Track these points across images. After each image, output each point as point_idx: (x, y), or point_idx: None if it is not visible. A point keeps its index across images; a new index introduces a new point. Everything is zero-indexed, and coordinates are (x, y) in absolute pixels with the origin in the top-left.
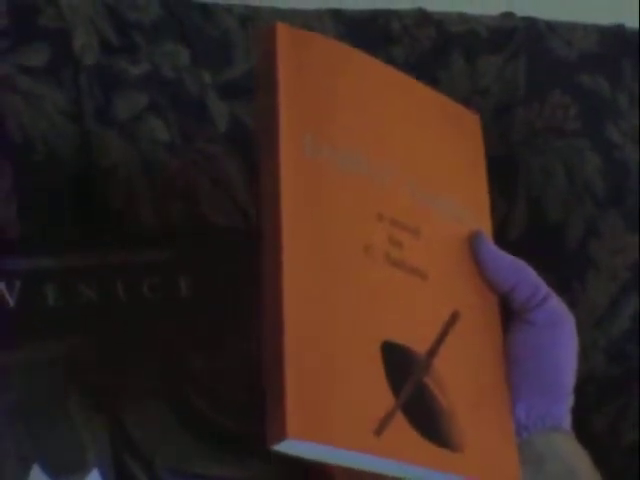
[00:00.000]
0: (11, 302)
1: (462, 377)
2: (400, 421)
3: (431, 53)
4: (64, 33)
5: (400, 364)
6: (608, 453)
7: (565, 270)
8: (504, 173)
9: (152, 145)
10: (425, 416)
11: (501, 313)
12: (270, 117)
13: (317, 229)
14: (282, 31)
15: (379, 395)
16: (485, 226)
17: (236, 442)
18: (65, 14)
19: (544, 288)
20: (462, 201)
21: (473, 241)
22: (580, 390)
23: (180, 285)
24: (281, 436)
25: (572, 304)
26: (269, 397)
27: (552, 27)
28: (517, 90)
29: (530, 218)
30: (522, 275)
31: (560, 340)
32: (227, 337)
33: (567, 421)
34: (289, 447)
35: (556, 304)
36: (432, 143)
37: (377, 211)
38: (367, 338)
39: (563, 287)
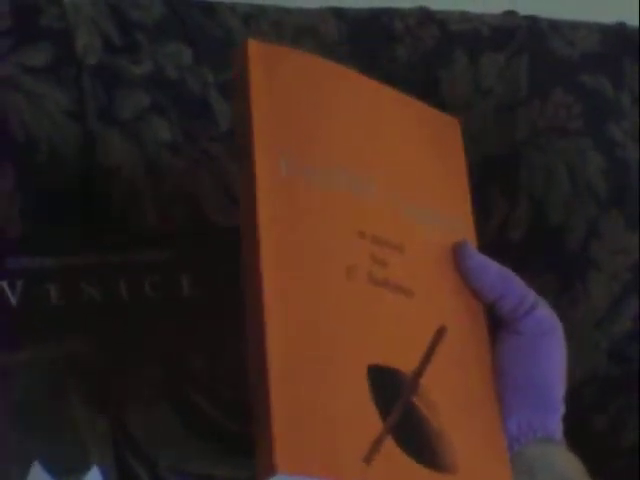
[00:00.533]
0: (13, 301)
1: (451, 394)
2: (390, 446)
3: (433, 52)
4: (66, 33)
5: (387, 387)
6: (609, 454)
7: (567, 270)
8: (506, 172)
9: (155, 144)
10: (415, 439)
11: (488, 324)
12: (245, 137)
13: (297, 253)
14: (253, 48)
15: (367, 421)
16: (469, 234)
17: (237, 442)
18: (67, 14)
19: (532, 296)
20: (445, 210)
21: (458, 251)
22: (581, 390)
23: (182, 284)
24: (270, 472)
25: (573, 304)
26: (256, 427)
27: (554, 26)
28: (519, 89)
29: (532, 218)
30: (509, 283)
31: (549, 349)
32: (228, 337)
33: (559, 431)
34: None
35: (544, 312)
36: (412, 153)
37: (358, 229)
38: (353, 363)
39: (565, 287)
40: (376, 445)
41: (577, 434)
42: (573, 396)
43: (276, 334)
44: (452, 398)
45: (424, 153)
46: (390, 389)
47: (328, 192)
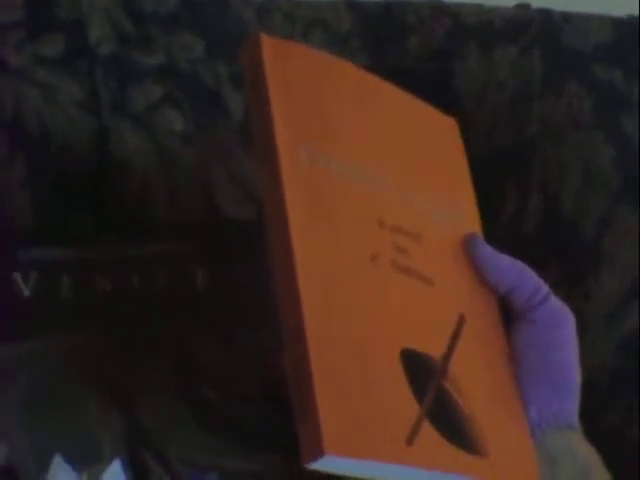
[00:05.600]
0: (26, 293)
1: (476, 381)
2: (428, 428)
3: (446, 44)
4: (79, 24)
5: (420, 370)
6: (619, 447)
7: (579, 263)
8: (519, 165)
9: (167, 136)
10: (450, 422)
11: (501, 315)
12: (265, 132)
13: (326, 241)
14: (267, 42)
15: (405, 403)
16: (476, 228)
17: (248, 435)
18: (81, 5)
19: (544, 287)
20: (453, 205)
21: (469, 244)
22: (591, 384)
23: (195, 277)
24: (318, 454)
25: (586, 297)
26: (298, 414)
27: (567, 18)
28: (532, 82)
29: (545, 211)
30: (523, 274)
31: (564, 338)
32: (240, 330)
33: (577, 418)
34: (325, 464)
35: (557, 303)
36: (418, 149)
37: (378, 218)
38: (388, 347)
39: (577, 280)
40: (416, 427)
41: (588, 427)
42: (584, 389)
43: (314, 320)
44: (477, 385)
45: (427, 149)
46: (423, 372)
47: (347, 183)
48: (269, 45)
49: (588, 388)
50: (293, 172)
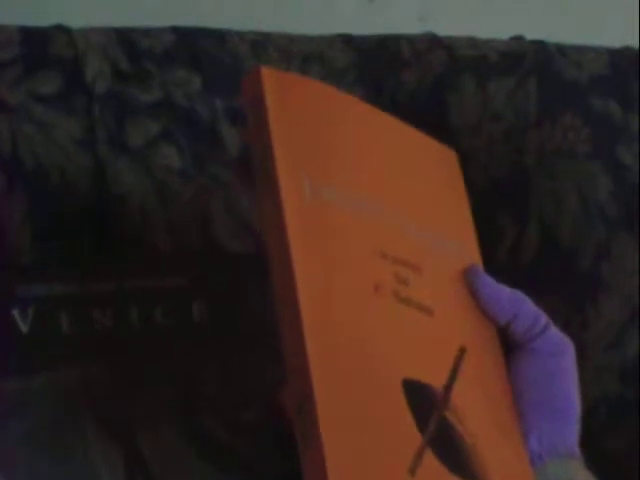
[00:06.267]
0: (24, 329)
1: (477, 410)
2: (430, 458)
3: (441, 77)
4: (76, 61)
5: (422, 401)
6: (621, 475)
7: (578, 292)
8: (515, 196)
9: (165, 172)
10: (451, 451)
11: (501, 345)
12: (266, 164)
13: (328, 272)
14: (267, 75)
15: (407, 433)
16: (476, 259)
17: (248, 467)
18: (77, 42)
19: (544, 317)
20: (453, 235)
21: (469, 275)
22: (593, 411)
23: (193, 311)
24: None
25: (585, 326)
26: (302, 446)
27: (562, 50)
28: (528, 113)
29: (542, 241)
30: (522, 305)
31: (564, 367)
32: (242, 361)
33: (577, 447)
34: None
35: (556, 332)
36: (419, 179)
37: (380, 249)
38: (390, 378)
39: (576, 309)
40: (418, 457)
41: (590, 455)
42: (586, 417)
43: (317, 354)
44: (478, 415)
45: (427, 180)
46: (425, 402)
47: (350, 214)
48: (269, 77)
49: (589, 416)
50: (295, 204)
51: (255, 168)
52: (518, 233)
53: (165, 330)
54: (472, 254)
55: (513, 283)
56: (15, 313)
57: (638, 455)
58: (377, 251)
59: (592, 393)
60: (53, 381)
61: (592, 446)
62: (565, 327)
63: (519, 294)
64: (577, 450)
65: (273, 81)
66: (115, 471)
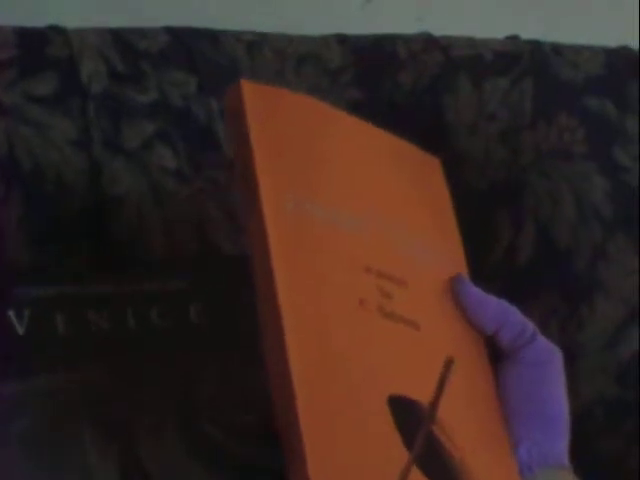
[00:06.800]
0: (20, 330)
1: (465, 424)
2: (417, 474)
3: (437, 77)
4: (71, 62)
5: (408, 417)
6: (617, 477)
7: (573, 294)
8: (511, 197)
9: (160, 173)
10: (439, 467)
11: (489, 355)
12: (249, 178)
13: (312, 287)
14: (248, 88)
15: (394, 450)
16: (462, 268)
17: (250, 473)
18: (72, 42)
19: (530, 326)
20: (438, 245)
21: (455, 285)
22: (589, 414)
23: (190, 313)
24: None
25: (580, 327)
26: (288, 460)
27: (558, 50)
28: (524, 113)
29: (538, 242)
30: (508, 314)
31: (551, 376)
32: (241, 364)
33: (567, 457)
34: None
35: (543, 341)
36: (403, 190)
37: (364, 264)
38: (375, 394)
39: (571, 310)
40: (404, 474)
41: (585, 457)
42: (581, 419)
43: (299, 365)
44: (466, 428)
45: (415, 191)
46: (411, 418)
47: (333, 228)
48: (250, 92)
49: (585, 417)
50: (277, 219)
51: (238, 181)
52: (514, 234)
53: (162, 332)
54: (458, 263)
55: (509, 283)
56: (11, 314)
57: (636, 456)
58: (361, 265)
59: (587, 394)
60: (49, 384)
61: (589, 448)
62: (561, 328)
63: (505, 304)
64: (566, 460)
65: (254, 95)
66: (112, 473)
